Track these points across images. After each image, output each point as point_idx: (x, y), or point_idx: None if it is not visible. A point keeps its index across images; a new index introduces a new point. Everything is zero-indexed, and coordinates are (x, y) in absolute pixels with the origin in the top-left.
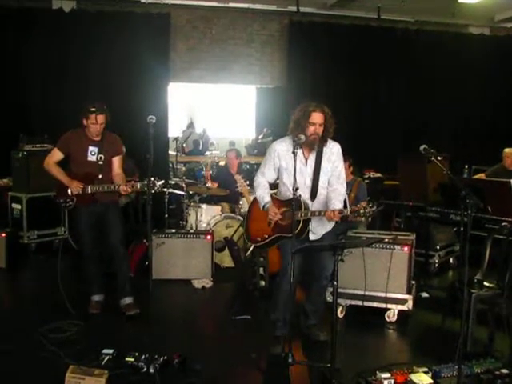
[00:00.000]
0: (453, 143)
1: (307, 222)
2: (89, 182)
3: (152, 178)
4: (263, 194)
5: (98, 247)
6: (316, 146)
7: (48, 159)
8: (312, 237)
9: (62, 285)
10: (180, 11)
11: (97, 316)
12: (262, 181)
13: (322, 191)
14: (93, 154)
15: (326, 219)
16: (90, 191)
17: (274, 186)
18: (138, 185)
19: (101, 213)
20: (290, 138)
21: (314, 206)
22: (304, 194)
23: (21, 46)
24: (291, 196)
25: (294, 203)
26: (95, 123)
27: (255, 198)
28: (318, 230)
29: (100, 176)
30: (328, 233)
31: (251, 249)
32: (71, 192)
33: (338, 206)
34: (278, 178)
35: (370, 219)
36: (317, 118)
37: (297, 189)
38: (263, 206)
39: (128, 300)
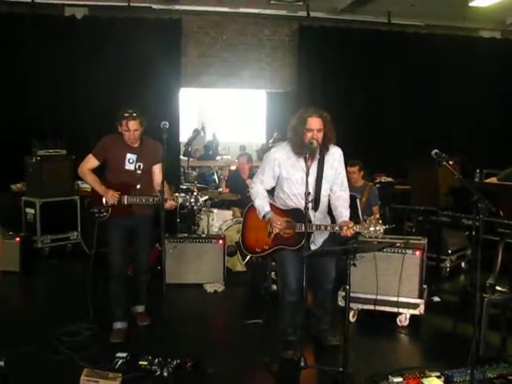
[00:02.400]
0: (464, 147)
1: (310, 234)
2: (125, 192)
3: (195, 193)
4: (263, 204)
5: (126, 267)
6: (317, 154)
7: (82, 166)
8: (313, 247)
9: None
10: (191, 17)
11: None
12: (261, 189)
13: (323, 199)
14: (131, 162)
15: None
16: (126, 202)
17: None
18: (180, 199)
19: (134, 226)
20: (288, 146)
21: (317, 215)
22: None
23: (34, 53)
24: (292, 205)
25: (296, 214)
26: (127, 130)
27: (250, 206)
28: (317, 238)
29: (138, 186)
30: (326, 239)
31: (248, 258)
32: (106, 202)
33: (346, 213)
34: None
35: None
36: (314, 123)
37: (309, 193)
38: (263, 216)
39: (140, 308)
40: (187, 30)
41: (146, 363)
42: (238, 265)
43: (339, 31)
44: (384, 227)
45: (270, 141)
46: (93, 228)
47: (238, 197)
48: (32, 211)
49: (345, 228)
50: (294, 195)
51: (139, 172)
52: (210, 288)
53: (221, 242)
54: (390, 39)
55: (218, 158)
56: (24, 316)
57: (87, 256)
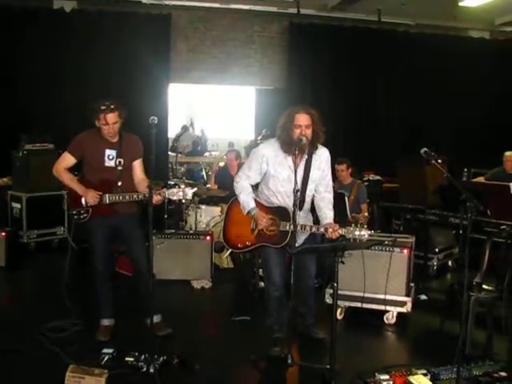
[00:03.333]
0: (452, 146)
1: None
2: (106, 190)
3: (183, 186)
4: (247, 199)
5: (111, 265)
6: (306, 152)
7: (57, 165)
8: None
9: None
10: (181, 12)
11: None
12: (246, 184)
13: (307, 199)
14: (110, 158)
15: (305, 222)
16: (108, 201)
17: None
18: (167, 193)
19: (119, 225)
20: (277, 143)
21: (301, 214)
22: (291, 202)
23: (22, 46)
24: (277, 202)
25: (281, 213)
26: (105, 123)
27: (234, 200)
28: (299, 236)
29: (119, 183)
30: (307, 237)
31: (227, 252)
32: (86, 203)
33: (330, 215)
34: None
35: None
36: (302, 119)
37: (298, 190)
38: (248, 212)
39: (156, 318)
40: (177, 25)
41: (132, 359)
42: (226, 261)
43: (329, 29)
44: (369, 232)
45: (259, 138)
46: (83, 224)
47: (226, 193)
48: (18, 206)
49: (330, 230)
50: (280, 193)
51: (120, 168)
52: (197, 284)
53: (208, 238)
54: (380, 37)
55: (207, 154)
56: (9, 311)
57: (74, 251)
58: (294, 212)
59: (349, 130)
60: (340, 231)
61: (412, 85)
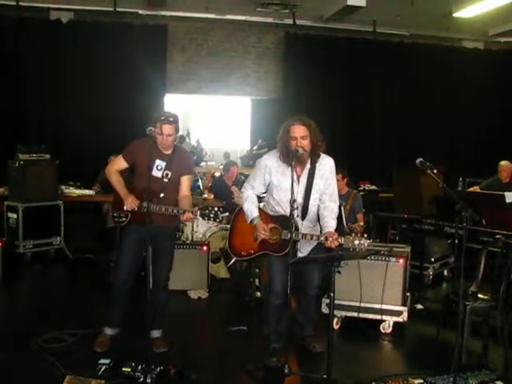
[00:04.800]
0: (447, 156)
1: (295, 242)
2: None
3: (216, 209)
4: (251, 209)
5: (134, 277)
6: (308, 162)
7: (110, 166)
8: (300, 255)
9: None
10: (177, 23)
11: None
12: (251, 194)
13: (312, 209)
14: (159, 168)
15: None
16: (145, 210)
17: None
18: (199, 213)
19: (151, 236)
20: (279, 154)
21: (304, 224)
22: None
23: (18, 56)
24: (281, 211)
25: (283, 221)
26: (160, 133)
27: (239, 210)
28: (304, 247)
29: (162, 195)
30: (314, 248)
31: (233, 260)
32: (126, 207)
33: (332, 224)
34: (265, 192)
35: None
36: (297, 131)
37: (294, 201)
38: (251, 221)
39: (156, 333)
40: (173, 36)
41: (129, 370)
42: (222, 271)
43: (325, 39)
44: (368, 241)
45: (255, 148)
46: (79, 234)
47: (222, 203)
48: (14, 216)
49: (329, 239)
50: (283, 202)
51: (166, 180)
52: (193, 294)
53: (205, 248)
54: (375, 48)
55: (203, 164)
56: (6, 322)
57: (70, 261)
58: (290, 220)
59: (344, 139)
60: (340, 240)
61: (407, 95)
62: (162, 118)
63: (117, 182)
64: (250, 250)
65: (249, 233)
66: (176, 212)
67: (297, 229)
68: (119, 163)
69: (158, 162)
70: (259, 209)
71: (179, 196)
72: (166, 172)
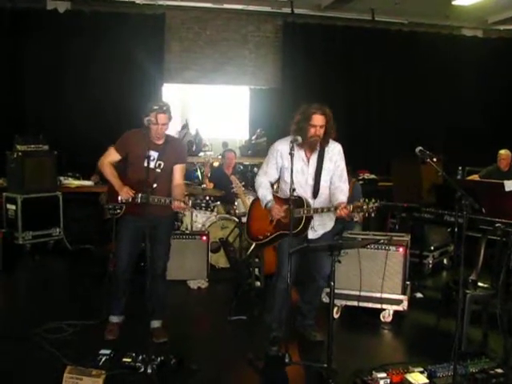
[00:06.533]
0: (446, 144)
1: (309, 220)
2: (141, 190)
3: (208, 198)
4: (266, 193)
5: (133, 266)
6: (317, 147)
7: (103, 159)
8: (311, 235)
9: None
10: (175, 12)
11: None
12: (264, 180)
13: (323, 190)
14: (152, 159)
15: (326, 218)
16: (139, 201)
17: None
18: (190, 202)
19: (149, 226)
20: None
21: (316, 204)
22: (306, 192)
23: (15, 47)
24: (294, 194)
25: (295, 202)
26: (155, 123)
27: (255, 199)
28: (318, 228)
29: (155, 185)
30: (326, 233)
31: (252, 247)
32: (121, 199)
33: (342, 198)
34: (279, 178)
35: (373, 215)
36: (318, 120)
37: (294, 190)
38: (265, 205)
39: (156, 323)
40: (170, 26)
41: (129, 360)
42: (222, 261)
43: (323, 28)
44: (378, 203)
45: (253, 137)
46: (79, 225)
47: (221, 193)
48: (13, 207)
49: (339, 208)
50: (295, 184)
51: (158, 171)
52: (193, 284)
53: (204, 238)
54: (374, 36)
55: (201, 154)
56: (6, 313)
57: (69, 252)
58: (289, 205)
59: (343, 129)
60: (349, 207)
61: (406, 83)
62: (156, 107)
63: (110, 173)
64: (266, 233)
65: (264, 217)
66: (169, 202)
67: (308, 205)
68: (112, 155)
69: (151, 153)
70: (273, 195)
71: (173, 185)
72: (158, 162)
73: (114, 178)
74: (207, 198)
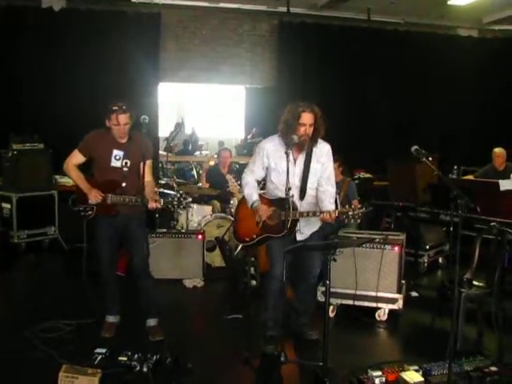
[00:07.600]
0: (442, 144)
1: (295, 222)
2: (111, 190)
3: (179, 194)
4: (251, 193)
5: (116, 263)
6: (306, 147)
7: (68, 161)
8: (299, 237)
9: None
10: (170, 11)
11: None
12: (250, 179)
13: (310, 192)
14: (117, 158)
15: (312, 218)
16: (109, 202)
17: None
18: (162, 201)
19: (123, 225)
20: (278, 138)
21: (303, 206)
22: (292, 194)
23: (10, 45)
24: (280, 195)
25: (281, 203)
26: (117, 124)
27: (243, 198)
28: (305, 230)
29: (124, 184)
30: (315, 232)
31: (239, 248)
32: (90, 201)
33: (330, 207)
34: (266, 177)
35: (358, 221)
36: (307, 118)
37: (289, 189)
38: (251, 205)
39: (152, 322)
40: (166, 25)
41: (125, 359)
42: (218, 260)
43: (319, 27)
44: (364, 209)
45: (249, 136)
46: (74, 223)
47: (217, 192)
48: (8, 206)
49: (325, 214)
50: (281, 185)
51: (126, 169)
52: (189, 283)
53: (200, 237)
54: (370, 36)
55: (197, 153)
56: (1, 312)
57: (65, 251)
58: (287, 209)
59: (339, 128)
60: (335, 213)
61: (401, 82)
62: (116, 108)
63: (76, 176)
64: (252, 235)
65: (251, 218)
66: (139, 201)
67: (295, 208)
68: (76, 157)
69: (116, 152)
70: (259, 195)
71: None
72: (124, 161)
73: (80, 180)
74: (178, 194)
